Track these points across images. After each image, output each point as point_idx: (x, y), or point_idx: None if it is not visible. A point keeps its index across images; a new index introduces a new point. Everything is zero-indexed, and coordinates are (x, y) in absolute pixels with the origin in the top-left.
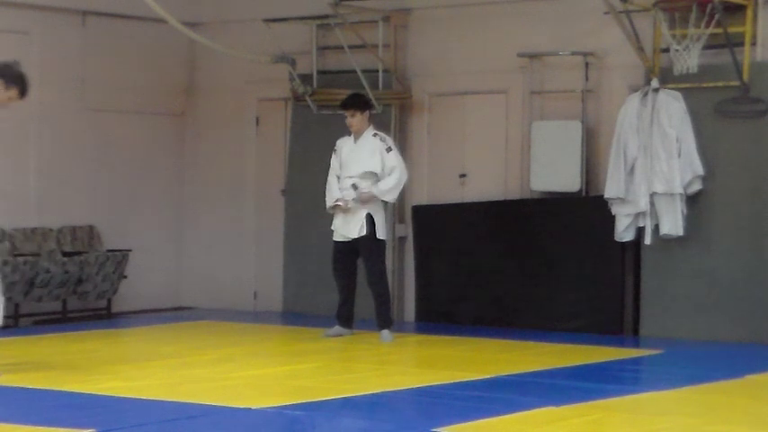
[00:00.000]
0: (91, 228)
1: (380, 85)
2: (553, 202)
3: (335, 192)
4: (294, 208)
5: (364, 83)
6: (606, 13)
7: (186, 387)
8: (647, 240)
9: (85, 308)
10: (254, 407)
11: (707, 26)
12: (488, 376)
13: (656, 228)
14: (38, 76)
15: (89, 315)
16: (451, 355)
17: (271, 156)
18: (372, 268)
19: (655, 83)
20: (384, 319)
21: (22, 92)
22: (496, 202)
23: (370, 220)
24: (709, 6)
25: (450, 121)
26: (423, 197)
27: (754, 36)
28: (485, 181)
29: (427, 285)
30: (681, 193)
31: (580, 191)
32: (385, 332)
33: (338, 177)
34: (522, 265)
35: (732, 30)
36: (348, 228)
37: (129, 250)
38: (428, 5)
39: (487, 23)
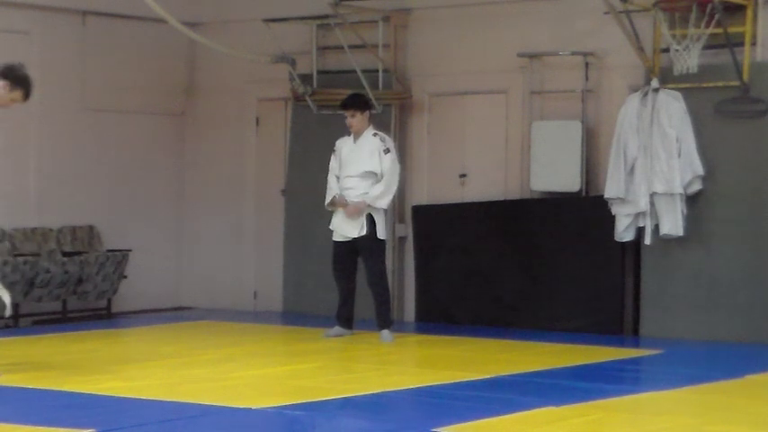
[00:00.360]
0: (91, 228)
1: (380, 85)
2: (553, 202)
3: (334, 190)
4: (294, 208)
5: (364, 83)
6: (606, 13)
7: (186, 387)
8: (647, 240)
9: (85, 308)
10: (254, 407)
11: (707, 26)
12: (488, 376)
13: (656, 228)
14: (38, 76)
15: (89, 315)
16: (451, 355)
17: (271, 156)
18: (372, 268)
19: (655, 83)
20: (384, 319)
21: (26, 94)
22: (496, 202)
23: (371, 220)
24: (709, 6)
25: (450, 121)
26: (423, 197)
27: (754, 36)
28: (485, 181)
29: (427, 285)
30: (681, 193)
31: (580, 191)
32: (385, 332)
33: (337, 178)
34: (522, 265)
35: (732, 30)
36: (348, 227)
37: (129, 250)
38: (428, 5)
39: (487, 23)
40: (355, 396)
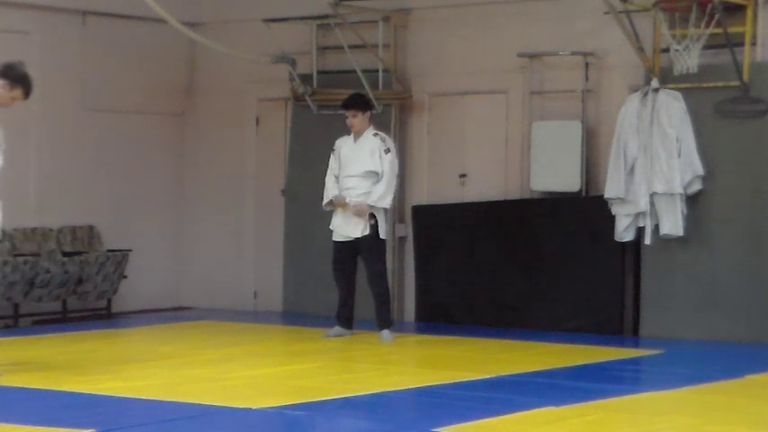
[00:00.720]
0: (91, 228)
1: (380, 85)
2: (553, 202)
3: (331, 191)
4: (294, 208)
5: (364, 83)
6: (606, 13)
7: (186, 387)
8: (647, 240)
9: (85, 308)
10: (254, 407)
11: (707, 26)
12: (488, 376)
13: (656, 228)
14: (38, 76)
15: (89, 315)
16: (451, 355)
17: (271, 156)
18: (373, 268)
19: (655, 83)
20: (384, 319)
21: (26, 92)
22: (496, 202)
23: (372, 220)
24: (710, 6)
25: (450, 121)
26: (423, 197)
27: (754, 36)
28: (485, 181)
29: (427, 285)
30: (681, 193)
31: (580, 191)
32: (385, 332)
33: (336, 177)
34: (522, 265)
35: (732, 30)
36: (350, 227)
37: (129, 250)
38: (428, 5)
39: (487, 23)
40: (355, 396)
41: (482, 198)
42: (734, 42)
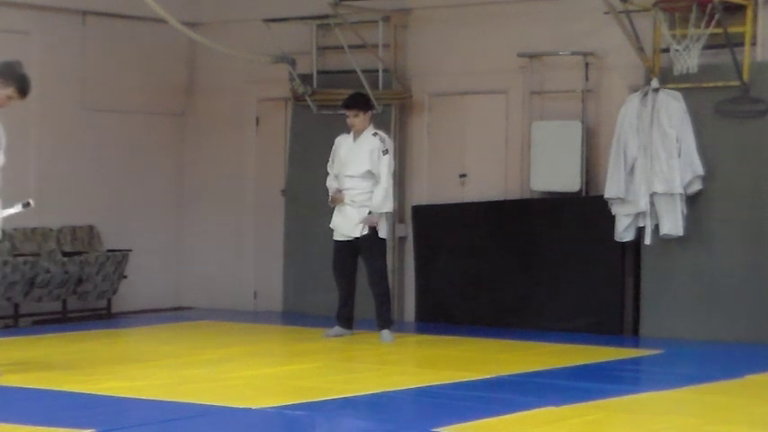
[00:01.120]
0: (91, 228)
1: (380, 85)
2: (553, 202)
3: (333, 186)
4: (294, 208)
5: (364, 83)
6: (606, 13)
7: (186, 387)
8: (647, 240)
9: (85, 308)
10: (254, 407)
11: (707, 26)
12: (488, 376)
13: (656, 228)
14: (38, 76)
15: (89, 315)
16: (451, 355)
17: (271, 156)
18: (373, 267)
19: (655, 83)
20: (384, 319)
21: (22, 91)
22: (496, 202)
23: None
24: (710, 6)
25: (450, 121)
26: (423, 197)
27: (754, 36)
28: (485, 181)
29: (427, 285)
30: (681, 193)
31: (580, 191)
32: (385, 332)
33: (336, 176)
34: (522, 265)
35: (732, 30)
36: (350, 226)
37: (129, 250)
38: (428, 5)
39: (487, 23)
40: (355, 396)
41: (482, 198)
42: (734, 42)
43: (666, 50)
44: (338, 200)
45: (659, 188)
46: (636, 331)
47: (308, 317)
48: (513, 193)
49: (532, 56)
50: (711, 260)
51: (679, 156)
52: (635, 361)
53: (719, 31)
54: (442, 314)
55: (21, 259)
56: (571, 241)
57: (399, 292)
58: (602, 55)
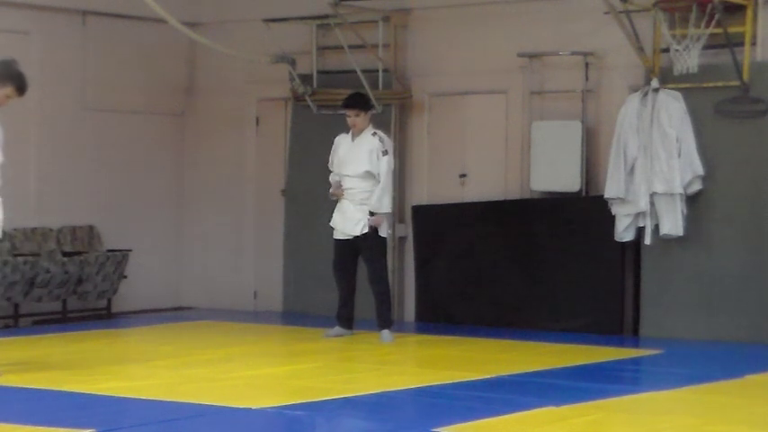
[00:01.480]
0: (91, 228)
1: (380, 85)
2: (553, 202)
3: (335, 180)
4: (294, 208)
5: (364, 83)
6: (606, 13)
7: (186, 387)
8: (647, 240)
9: (85, 308)
10: (254, 407)
11: (707, 26)
12: (488, 376)
13: (656, 228)
14: (38, 76)
15: (89, 315)
16: (451, 355)
17: (271, 156)
18: (373, 266)
19: (655, 83)
20: (384, 319)
21: (20, 89)
22: (496, 202)
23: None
24: (710, 6)
25: (450, 121)
26: (423, 197)
27: (754, 36)
28: (485, 181)
29: (427, 285)
30: (681, 193)
31: (580, 191)
32: (385, 332)
33: (336, 174)
34: (522, 265)
35: (732, 30)
36: (349, 225)
37: (129, 250)
38: (428, 5)
39: (487, 23)
40: (355, 396)
41: (482, 198)
42: (734, 42)
43: (666, 50)
44: (338, 194)
45: (659, 188)
46: (636, 331)
47: (308, 317)
48: (513, 193)
49: (532, 56)
50: (711, 260)
51: (679, 156)
52: (635, 361)
53: (719, 31)
54: (442, 314)
55: (21, 259)
56: (571, 241)
57: (399, 292)
58: (602, 55)
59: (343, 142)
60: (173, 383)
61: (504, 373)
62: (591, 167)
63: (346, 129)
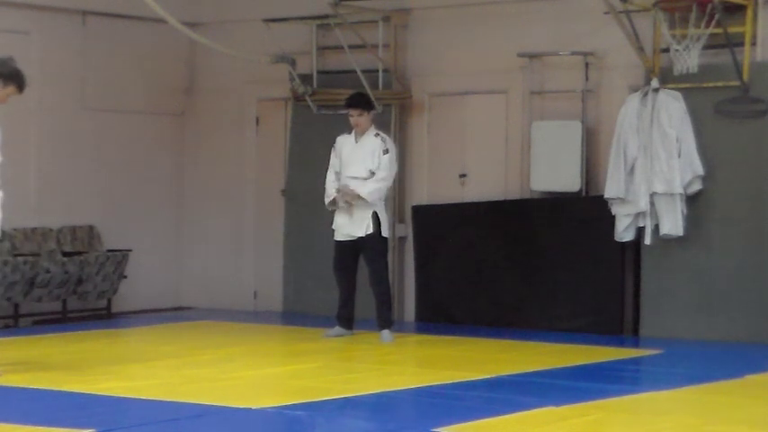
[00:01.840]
0: (91, 228)
1: (380, 85)
2: (553, 202)
3: (331, 192)
4: (294, 208)
5: (364, 83)
6: (606, 13)
7: (186, 387)
8: (647, 240)
9: (85, 308)
10: (254, 407)
11: (707, 26)
12: (488, 376)
13: (656, 228)
14: (38, 76)
15: (89, 315)
16: (451, 355)
17: (271, 156)
18: (375, 267)
19: (655, 83)
20: (385, 319)
21: (21, 87)
22: (496, 202)
23: (376, 219)
24: (710, 6)
25: (450, 121)
26: (423, 197)
27: (754, 36)
28: (485, 181)
29: (427, 285)
30: (681, 193)
31: (580, 191)
32: (385, 332)
33: (337, 174)
34: (522, 265)
35: (732, 30)
36: (353, 227)
37: (129, 250)
38: (428, 5)
39: (487, 23)
40: (355, 396)
41: (482, 198)
42: (734, 42)
43: (666, 50)
44: (349, 201)
45: (659, 188)
46: (636, 331)
47: (308, 317)
48: (513, 193)
49: (532, 56)
50: (711, 260)
51: (679, 156)
52: (635, 361)
53: (719, 31)
54: (442, 314)
55: (21, 259)
56: (571, 241)
57: (399, 292)
58: (602, 55)
59: (346, 143)
60: (173, 383)
61: (504, 373)
62: (591, 167)
63: (346, 129)
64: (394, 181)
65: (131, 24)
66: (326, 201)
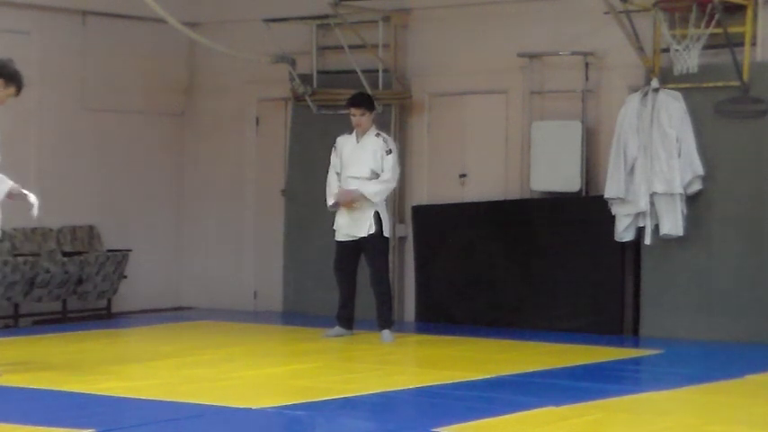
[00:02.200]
0: (91, 228)
1: (380, 85)
2: (553, 202)
3: (335, 189)
4: (294, 208)
5: (364, 83)
6: (606, 13)
7: (186, 387)
8: (647, 240)
9: (85, 308)
10: (254, 407)
11: (707, 26)
12: (488, 376)
13: (656, 228)
14: (38, 76)
15: (89, 315)
16: (451, 355)
17: (271, 156)
18: (376, 267)
19: (655, 83)
20: (385, 319)
21: (20, 88)
22: (496, 202)
23: (378, 219)
24: (710, 6)
25: (450, 121)
26: (423, 197)
27: (754, 36)
28: (485, 181)
29: (427, 285)
30: (681, 193)
31: (580, 191)
32: (386, 332)
33: (338, 174)
34: (522, 265)
35: (732, 30)
36: (355, 227)
37: (129, 250)
38: (428, 5)
39: (487, 23)
40: (355, 396)
41: (482, 198)
42: (734, 42)
43: (666, 50)
44: (351, 204)
45: (659, 188)
46: (636, 331)
47: (308, 317)
48: (513, 193)
49: (532, 56)
50: (711, 260)
51: (679, 156)
52: (635, 361)
53: (719, 31)
54: (442, 314)
55: (21, 259)
56: (571, 241)
57: (399, 292)
58: (602, 55)
59: (347, 143)
60: (173, 383)
61: (504, 373)
62: (591, 167)
63: (347, 129)
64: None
65: (131, 24)
66: (329, 201)
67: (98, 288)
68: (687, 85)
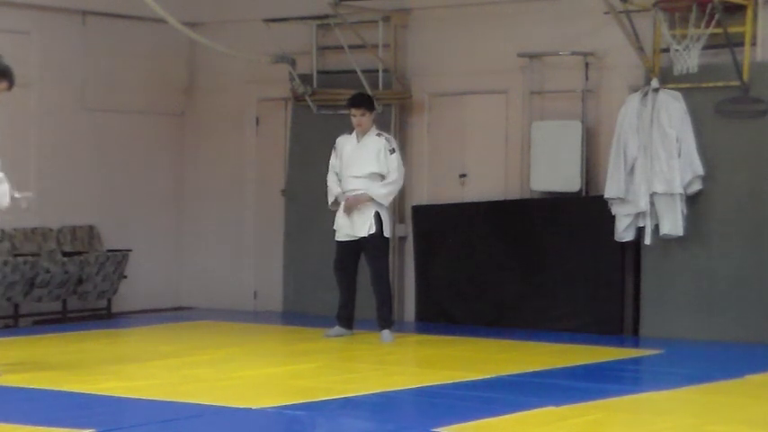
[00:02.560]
0: (91, 228)
1: (380, 85)
2: (553, 202)
3: (336, 190)
4: (294, 208)
5: (364, 83)
6: (606, 13)
7: (186, 387)
8: (647, 240)
9: (85, 308)
10: (254, 407)
11: (707, 26)
12: (488, 376)
13: (656, 228)
14: (38, 76)
15: (89, 315)
16: (451, 355)
17: (271, 156)
18: (376, 267)
19: (655, 83)
20: (385, 319)
21: (11, 84)
22: (496, 202)
23: (378, 219)
24: (710, 6)
25: (450, 121)
26: (423, 197)
27: (754, 36)
28: (485, 181)
29: (427, 285)
30: (681, 193)
31: (580, 191)
32: (386, 332)
33: (337, 175)
34: (522, 265)
35: (732, 30)
36: (356, 227)
37: (129, 250)
38: (428, 5)
39: (487, 23)
40: (355, 396)
41: (482, 198)
42: (734, 42)
43: (666, 50)
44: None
45: (659, 188)
46: (636, 331)
47: (308, 317)
48: (513, 193)
49: (532, 56)
50: (711, 260)
51: (679, 156)
52: (635, 361)
53: (719, 31)
54: (442, 314)
55: (21, 259)
56: (571, 241)
57: (399, 292)
58: (602, 55)
59: (347, 143)
60: (173, 383)
61: (504, 373)
62: (591, 167)
63: (347, 129)
64: None
65: (131, 24)
66: (329, 201)
67: (98, 288)
68: (687, 85)
